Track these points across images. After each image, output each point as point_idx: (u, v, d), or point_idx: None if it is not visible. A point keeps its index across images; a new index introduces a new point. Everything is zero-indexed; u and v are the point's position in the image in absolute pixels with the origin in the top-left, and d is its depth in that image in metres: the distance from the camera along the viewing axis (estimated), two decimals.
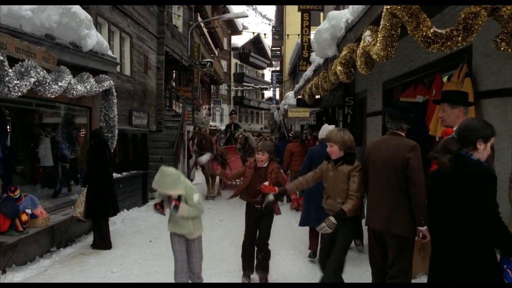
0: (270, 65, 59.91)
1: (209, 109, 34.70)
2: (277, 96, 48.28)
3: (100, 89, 8.60)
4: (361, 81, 10.85)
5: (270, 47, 48.88)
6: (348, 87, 11.61)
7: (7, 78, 5.61)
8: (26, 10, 6.03)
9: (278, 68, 51.14)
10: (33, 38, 6.49)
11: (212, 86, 39.17)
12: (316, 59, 10.61)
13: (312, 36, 11.42)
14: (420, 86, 7.21)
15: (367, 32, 5.82)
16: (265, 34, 48.08)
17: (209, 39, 31.64)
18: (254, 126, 58.13)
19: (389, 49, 5.14)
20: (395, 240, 4.21)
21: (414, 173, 4.07)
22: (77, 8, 7.34)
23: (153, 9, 15.21)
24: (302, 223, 7.11)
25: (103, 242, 7.63)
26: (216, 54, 36.87)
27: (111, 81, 9.03)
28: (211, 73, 27.42)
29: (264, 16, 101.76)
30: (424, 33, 4.63)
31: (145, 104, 14.60)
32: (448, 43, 4.61)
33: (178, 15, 18.77)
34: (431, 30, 4.62)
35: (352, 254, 7.19)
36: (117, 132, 9.40)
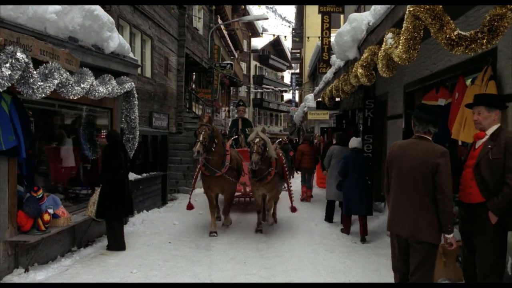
0: (290, 67, 59.83)
1: (228, 111, 34.79)
2: (297, 98, 48.21)
3: (122, 91, 8.68)
4: (382, 83, 10.76)
5: (290, 49, 48.80)
6: (369, 89, 11.52)
7: (31, 80, 5.69)
8: (51, 13, 6.11)
9: (297, 71, 51.06)
10: (57, 41, 6.58)
11: (231, 88, 39.29)
12: (336, 61, 10.56)
13: (332, 39, 11.38)
14: (442, 89, 7.11)
15: (389, 35, 5.77)
16: (285, 37, 47.99)
17: (229, 41, 31.75)
18: (273, 128, 58.11)
19: (412, 51, 5.10)
20: (420, 246, 4.16)
21: (443, 179, 4.02)
22: (99, 11, 7.42)
23: (174, 11, 15.31)
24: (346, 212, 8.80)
25: (116, 243, 7.65)
26: (236, 56, 36.95)
27: (132, 83, 9.10)
28: (231, 75, 27.49)
29: (284, 18, 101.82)
30: (447, 36, 4.57)
31: (165, 106, 14.69)
32: (473, 46, 4.55)
33: (198, 18, 18.87)
34: (455, 33, 4.56)
35: (373, 258, 7.15)
36: (138, 133, 9.47)
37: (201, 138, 8.15)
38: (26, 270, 6.29)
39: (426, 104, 5.60)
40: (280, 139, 12.50)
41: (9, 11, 5.39)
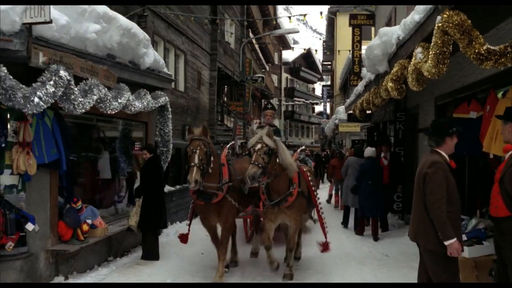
0: (321, 79, 59.75)
1: (260, 123, 34.96)
2: (328, 111, 48.10)
3: (156, 105, 8.95)
4: (413, 96, 10.74)
5: (321, 62, 48.82)
6: (400, 102, 11.49)
7: (73, 96, 5.98)
8: (91, 32, 6.42)
9: (328, 83, 50.98)
10: (96, 58, 6.88)
11: (263, 100, 39.53)
12: (367, 74, 10.61)
13: (363, 51, 11.45)
14: (473, 102, 7.10)
15: (419, 49, 5.83)
16: (316, 51, 48.00)
17: (260, 55, 32.04)
18: (305, 140, 58.02)
19: (441, 66, 5.15)
20: (425, 253, 4.38)
21: (428, 188, 4.19)
22: (136, 29, 7.72)
23: (207, 27, 15.65)
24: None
25: (150, 254, 7.88)
26: (267, 69, 37.23)
27: (167, 97, 9.37)
28: (262, 88, 27.72)
29: (315, 31, 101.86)
30: (476, 50, 4.63)
31: (198, 119, 14.98)
32: (502, 60, 4.60)
33: (231, 33, 19.20)
34: (484, 47, 4.62)
35: (403, 271, 7.14)
36: (171, 146, 9.72)
37: (196, 160, 6.01)
38: (66, 278, 6.56)
39: (438, 120, 5.71)
40: (303, 147, 10.59)
41: (54, 32, 5.70)
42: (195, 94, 14.78)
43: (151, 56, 8.56)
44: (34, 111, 5.48)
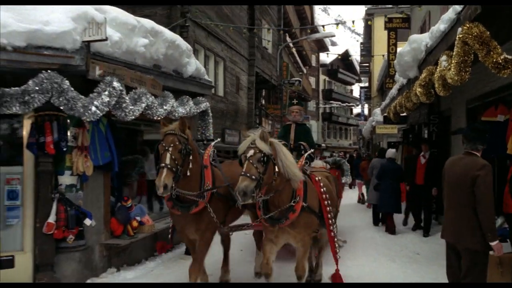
0: (359, 81, 59.58)
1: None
2: (366, 112, 47.96)
3: (198, 110, 9.54)
4: (446, 99, 10.96)
5: (359, 63, 48.79)
6: (433, 105, 11.72)
7: (124, 104, 6.62)
8: (140, 46, 7.07)
9: (366, 84, 50.83)
10: (143, 69, 7.52)
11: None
12: (400, 78, 10.93)
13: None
14: (501, 106, 7.35)
15: (443, 57, 6.19)
16: (349, 58, 48.03)
17: (298, 58, 32.47)
18: (343, 142, 57.99)
19: (463, 74, 5.51)
20: (466, 253, 4.57)
21: (480, 190, 4.41)
22: (180, 41, 8.34)
23: (245, 35, 16.24)
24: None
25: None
26: (305, 71, 37.61)
27: (207, 103, 9.96)
28: (299, 91, 28.14)
29: (353, 31, 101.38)
30: (494, 60, 4.98)
31: (237, 123, 15.58)
32: None
33: (268, 40, 19.74)
34: (501, 57, 4.97)
35: (433, 268, 7.45)
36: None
37: (167, 160, 4.91)
38: (118, 270, 7.21)
39: (475, 123, 5.95)
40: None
41: (108, 48, 6.37)
42: (234, 99, 15.39)
43: (193, 65, 9.16)
44: (91, 119, 6.14)
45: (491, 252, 4.57)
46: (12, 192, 6.35)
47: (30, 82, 5.67)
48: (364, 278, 6.88)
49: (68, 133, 6.42)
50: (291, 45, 26.88)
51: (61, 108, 5.93)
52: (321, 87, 53.06)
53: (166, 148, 4.97)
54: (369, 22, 14.67)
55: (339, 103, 54.30)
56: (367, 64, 42.91)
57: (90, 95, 6.16)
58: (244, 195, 4.51)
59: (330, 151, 39.53)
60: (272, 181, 4.90)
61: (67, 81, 5.85)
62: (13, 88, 5.65)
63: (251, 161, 4.66)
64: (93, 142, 6.78)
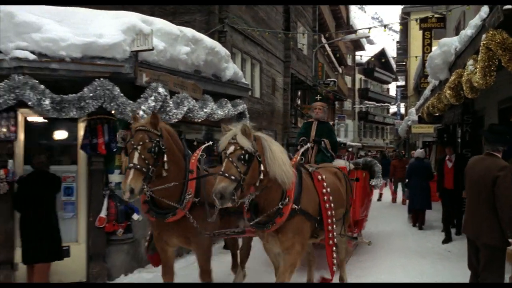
0: (396, 79, 59.05)
1: (333, 125, 35.59)
2: (402, 111, 47.57)
3: (235, 112, 10.00)
4: (479, 99, 11.06)
5: (395, 61, 48.43)
6: (467, 105, 11.84)
7: (168, 108, 7.17)
8: (182, 54, 7.61)
9: (403, 83, 50.40)
10: (185, 74, 8.06)
11: (336, 102, 40.04)
12: (432, 79, 11.14)
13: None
14: None
15: (470, 61, 6.46)
16: (382, 60, 47.81)
17: (333, 58, 32.66)
18: (379, 141, 57.62)
19: (488, 78, 5.78)
20: (484, 248, 4.89)
21: (500, 190, 4.69)
22: (219, 47, 8.85)
23: (280, 38, 16.67)
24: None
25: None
26: (340, 71, 37.73)
27: (245, 105, 10.42)
28: (335, 91, 28.37)
29: (390, 29, 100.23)
30: None
31: (273, 123, 16.04)
32: None
33: (303, 44, 20.11)
34: None
35: (463, 264, 7.68)
36: None
37: (136, 160, 4.34)
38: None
39: (495, 126, 6.17)
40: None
41: (154, 57, 6.94)
42: (270, 100, 15.84)
43: (231, 69, 9.65)
44: None
45: (510, 247, 4.87)
46: (68, 188, 7.00)
47: (85, 89, 6.27)
48: (395, 272, 7.22)
49: (117, 135, 7.00)
50: (326, 46, 27.12)
51: (112, 112, 6.52)
52: (357, 86, 52.90)
53: (135, 146, 4.39)
54: (384, 29, 14.66)
55: (374, 103, 53.96)
56: (404, 63, 42.62)
57: (138, 100, 6.71)
58: (222, 198, 3.93)
59: (365, 151, 39.50)
60: (257, 182, 4.26)
61: (117, 87, 6.42)
62: (70, 95, 6.25)
63: (230, 159, 4.07)
64: None
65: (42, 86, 6.07)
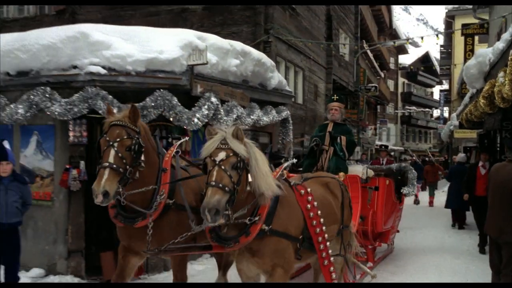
0: (440, 83, 58.25)
1: (375, 129, 35.77)
2: (446, 115, 47.02)
3: (279, 118, 10.68)
4: None
5: (439, 65, 47.92)
6: (507, 111, 12.05)
7: (219, 116, 7.90)
8: (232, 66, 8.35)
9: (447, 87, 49.79)
10: (234, 84, 8.79)
11: (378, 106, 40.12)
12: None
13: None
14: None
15: (501, 73, 6.89)
16: (422, 67, 47.43)
17: (375, 62, 32.86)
18: (422, 145, 57.02)
19: None
20: (506, 246, 5.38)
21: None
22: (265, 59, 9.56)
23: (322, 46, 17.26)
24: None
25: None
26: (382, 76, 37.81)
27: (288, 112, 11.08)
28: (376, 96, 28.61)
29: (435, 30, 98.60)
30: None
31: (315, 128, 16.57)
32: None
33: (344, 53, 20.59)
34: None
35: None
36: (292, 153, 11.42)
37: (111, 159, 3.82)
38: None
39: None
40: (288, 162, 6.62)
41: (208, 69, 7.71)
42: (312, 106, 16.43)
43: (276, 78, 10.33)
44: (194, 128, 7.45)
45: None
46: None
47: (148, 99, 7.06)
48: (427, 271, 7.66)
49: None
50: (368, 51, 27.44)
51: (170, 119, 7.29)
52: (400, 89, 52.61)
53: (111, 143, 3.86)
54: (437, 38, 14.91)
55: (414, 108, 53.43)
56: (448, 66, 42.19)
57: (193, 108, 7.47)
58: (216, 214, 3.35)
59: (408, 155, 39.35)
60: (240, 195, 3.66)
61: (175, 98, 7.19)
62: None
63: (223, 167, 3.48)
64: (193, 147, 8.11)
65: (111, 97, 6.88)
